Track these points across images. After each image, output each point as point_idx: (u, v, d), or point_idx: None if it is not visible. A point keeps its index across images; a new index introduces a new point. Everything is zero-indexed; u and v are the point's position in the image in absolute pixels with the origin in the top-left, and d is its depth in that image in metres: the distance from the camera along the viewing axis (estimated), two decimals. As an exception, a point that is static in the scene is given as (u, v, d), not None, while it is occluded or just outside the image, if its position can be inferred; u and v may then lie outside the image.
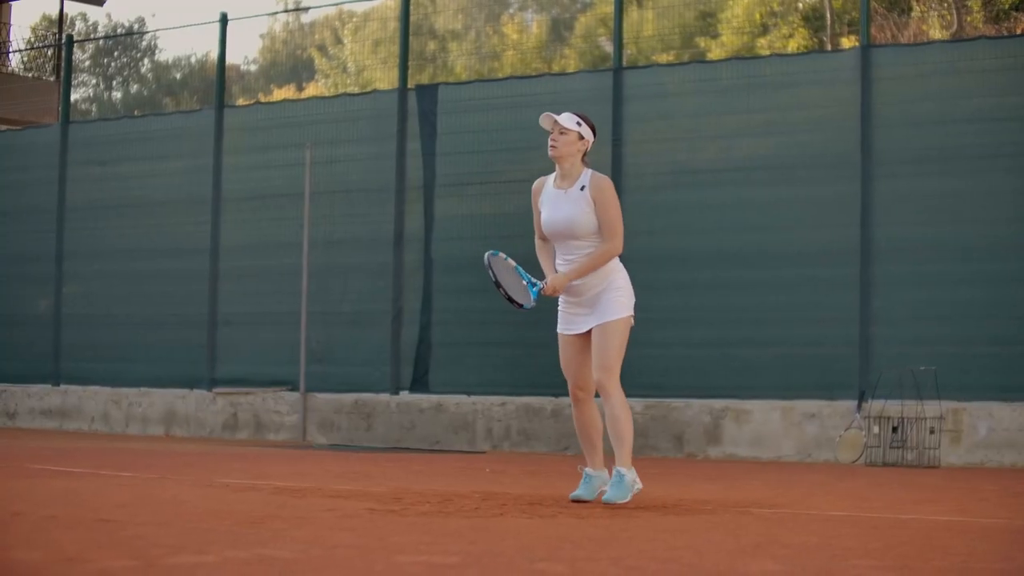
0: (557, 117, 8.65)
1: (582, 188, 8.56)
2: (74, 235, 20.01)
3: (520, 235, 16.41)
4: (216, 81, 19.40)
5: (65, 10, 33.86)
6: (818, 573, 5.41)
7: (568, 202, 8.56)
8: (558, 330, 8.78)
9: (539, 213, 8.77)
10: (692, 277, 15.88)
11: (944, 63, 15.07)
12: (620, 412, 8.57)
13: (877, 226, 15.03)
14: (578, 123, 8.64)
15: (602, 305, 8.59)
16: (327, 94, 26.58)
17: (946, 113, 14.96)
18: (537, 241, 8.90)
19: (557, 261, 8.69)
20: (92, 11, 53.28)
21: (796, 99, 15.68)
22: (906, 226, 15.00)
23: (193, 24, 29.03)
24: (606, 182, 8.59)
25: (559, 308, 8.79)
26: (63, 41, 23.29)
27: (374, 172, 17.81)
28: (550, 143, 8.63)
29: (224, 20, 19.06)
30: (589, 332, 8.63)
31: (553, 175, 8.78)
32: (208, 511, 7.38)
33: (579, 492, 8.63)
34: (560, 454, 15.90)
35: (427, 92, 17.61)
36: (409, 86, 17.82)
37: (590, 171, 8.65)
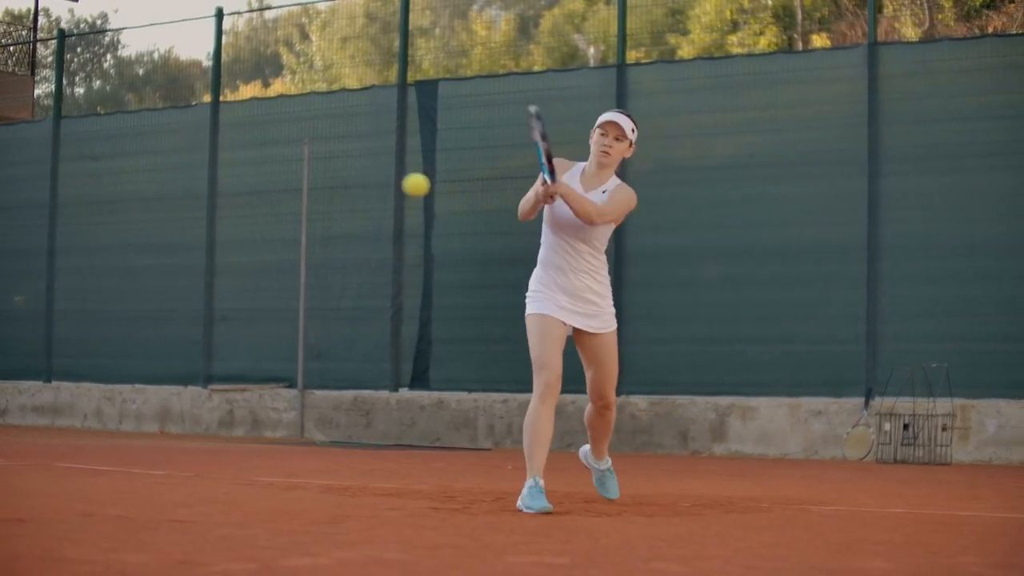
0: (620, 122, 7.98)
1: (604, 192, 7.98)
2: (66, 231, 19.84)
3: (521, 232, 16.42)
4: (212, 76, 19.25)
5: (30, 5, 33.54)
6: (933, 571, 5.38)
7: None
8: (541, 311, 7.91)
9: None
10: (697, 273, 15.86)
11: (951, 60, 15.10)
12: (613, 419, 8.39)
13: (884, 223, 15.05)
14: (632, 130, 8.04)
15: (602, 314, 8.01)
16: (324, 89, 26.37)
17: (953, 110, 15.00)
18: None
19: (553, 259, 7.99)
20: (56, 6, 52.92)
21: (803, 96, 15.68)
22: (913, 223, 15.03)
23: (190, 19, 29.00)
24: (630, 191, 8.07)
25: (540, 290, 7.97)
26: (54, 35, 23.06)
27: (373, 168, 17.72)
28: (605, 148, 7.97)
29: (220, 15, 18.91)
30: (564, 329, 7.93)
31: (583, 166, 8.10)
32: (275, 511, 7.29)
33: (545, 504, 7.58)
34: (565, 451, 15.84)
35: (427, 88, 17.54)
36: (394, 81, 17.81)
37: (619, 181, 8.05)
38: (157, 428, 18.64)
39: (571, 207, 7.82)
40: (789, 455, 15.11)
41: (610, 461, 8.55)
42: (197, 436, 17.82)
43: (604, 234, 8.03)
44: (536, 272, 8.09)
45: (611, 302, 8.12)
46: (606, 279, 8.10)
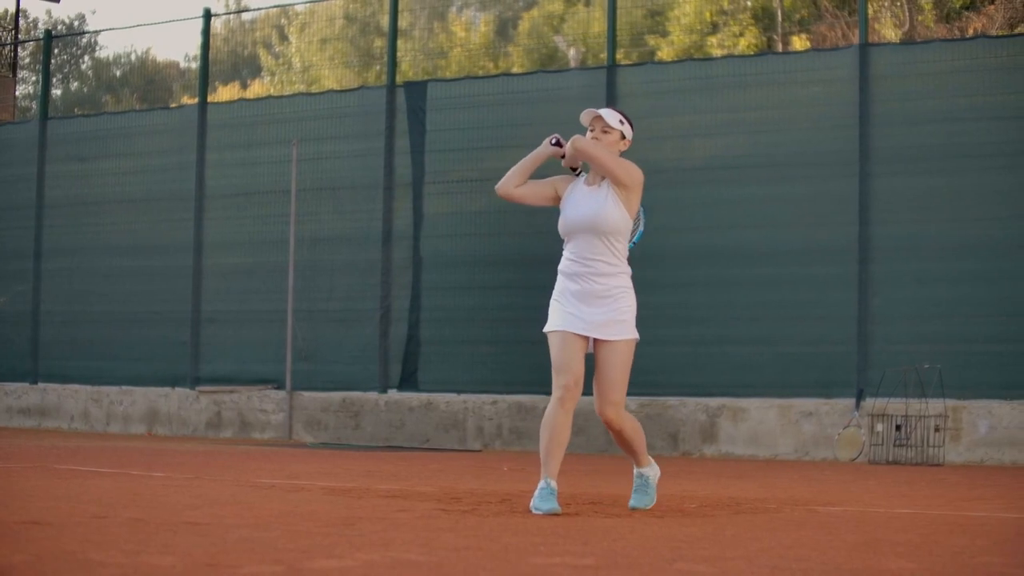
0: (602, 114, 8.03)
1: (601, 187, 7.95)
2: (53, 232, 19.75)
3: (510, 233, 16.46)
4: (199, 77, 19.18)
5: (10, 7, 33.42)
6: (958, 572, 5.38)
7: (594, 196, 7.92)
8: (558, 327, 7.93)
9: (554, 190, 8.15)
10: (689, 274, 15.84)
11: (941, 62, 15.12)
12: (635, 430, 8.31)
13: (875, 224, 15.06)
14: (621, 121, 8.04)
15: (613, 316, 7.91)
16: (312, 91, 26.31)
17: (944, 111, 15.01)
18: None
19: (568, 266, 8.01)
20: (34, 7, 52.60)
21: (794, 97, 15.69)
22: (904, 224, 15.04)
23: (175, 20, 28.88)
24: (629, 162, 8.01)
25: (557, 302, 8.00)
26: (35, 37, 22.96)
27: (361, 169, 17.67)
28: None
29: (207, 16, 18.87)
30: (586, 338, 7.93)
31: (583, 177, 8.12)
32: (286, 513, 7.27)
33: (554, 506, 7.67)
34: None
35: (416, 89, 17.49)
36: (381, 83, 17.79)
37: None
38: (144, 430, 18.57)
39: (591, 156, 7.96)
40: (780, 456, 15.11)
41: (646, 468, 8.33)
42: (185, 438, 17.76)
43: (616, 229, 7.92)
44: (557, 281, 8.10)
45: (628, 307, 7.98)
46: (622, 282, 7.98)
